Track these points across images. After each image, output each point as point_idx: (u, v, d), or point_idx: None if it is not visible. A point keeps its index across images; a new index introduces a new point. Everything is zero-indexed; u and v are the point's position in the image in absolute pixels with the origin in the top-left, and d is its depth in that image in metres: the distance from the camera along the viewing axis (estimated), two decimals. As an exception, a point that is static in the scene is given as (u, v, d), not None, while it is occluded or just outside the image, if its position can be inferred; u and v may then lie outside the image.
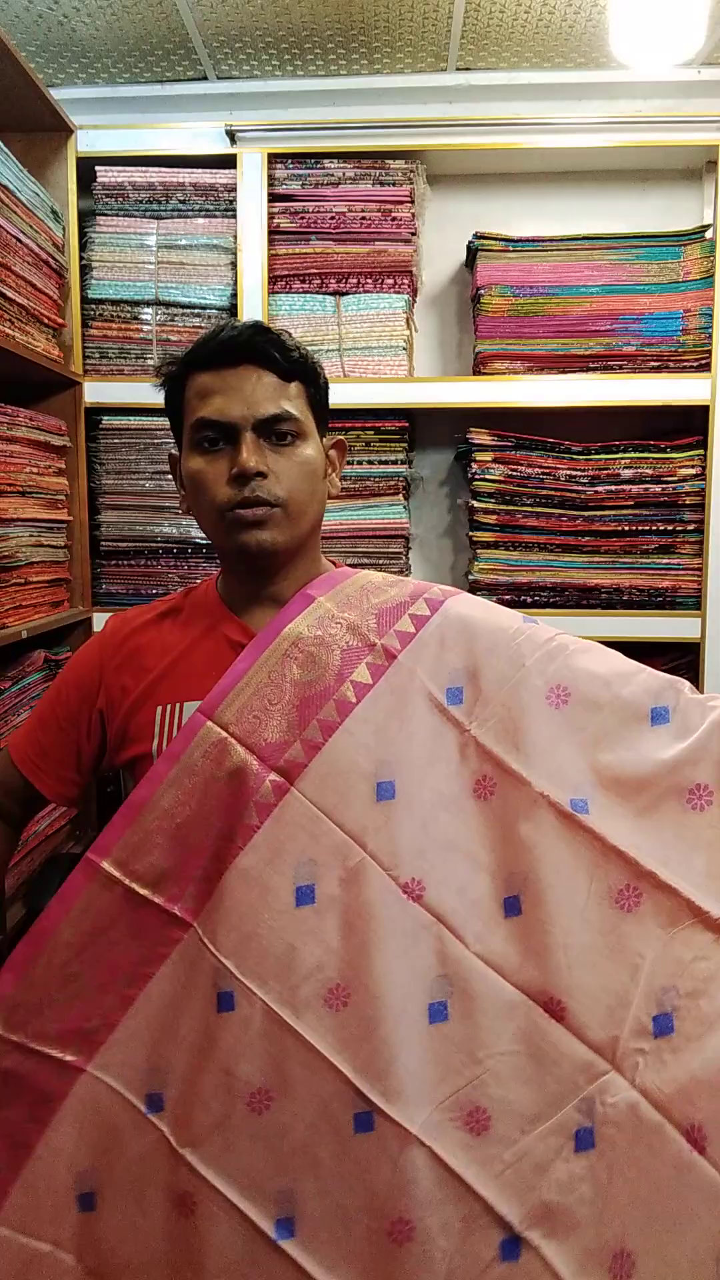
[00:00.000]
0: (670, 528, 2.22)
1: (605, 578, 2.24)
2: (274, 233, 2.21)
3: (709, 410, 2.16)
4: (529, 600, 2.26)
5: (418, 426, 2.40)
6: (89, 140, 2.20)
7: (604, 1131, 0.96)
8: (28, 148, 2.07)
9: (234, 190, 2.20)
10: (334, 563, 1.20)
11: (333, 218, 2.20)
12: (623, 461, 2.22)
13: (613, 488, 2.22)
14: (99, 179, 2.23)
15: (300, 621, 1.07)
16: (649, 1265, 0.94)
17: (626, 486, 2.22)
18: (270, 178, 2.20)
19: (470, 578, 2.27)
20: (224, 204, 2.22)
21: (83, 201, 2.21)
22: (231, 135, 2.21)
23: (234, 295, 2.22)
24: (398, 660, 1.06)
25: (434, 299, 2.47)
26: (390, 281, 2.21)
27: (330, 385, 1.16)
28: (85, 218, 2.22)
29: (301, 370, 1.09)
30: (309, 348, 1.13)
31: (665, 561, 2.23)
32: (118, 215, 2.23)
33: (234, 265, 2.21)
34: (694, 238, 2.19)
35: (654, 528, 2.22)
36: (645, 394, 2.17)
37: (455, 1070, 0.97)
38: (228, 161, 2.21)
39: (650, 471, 2.21)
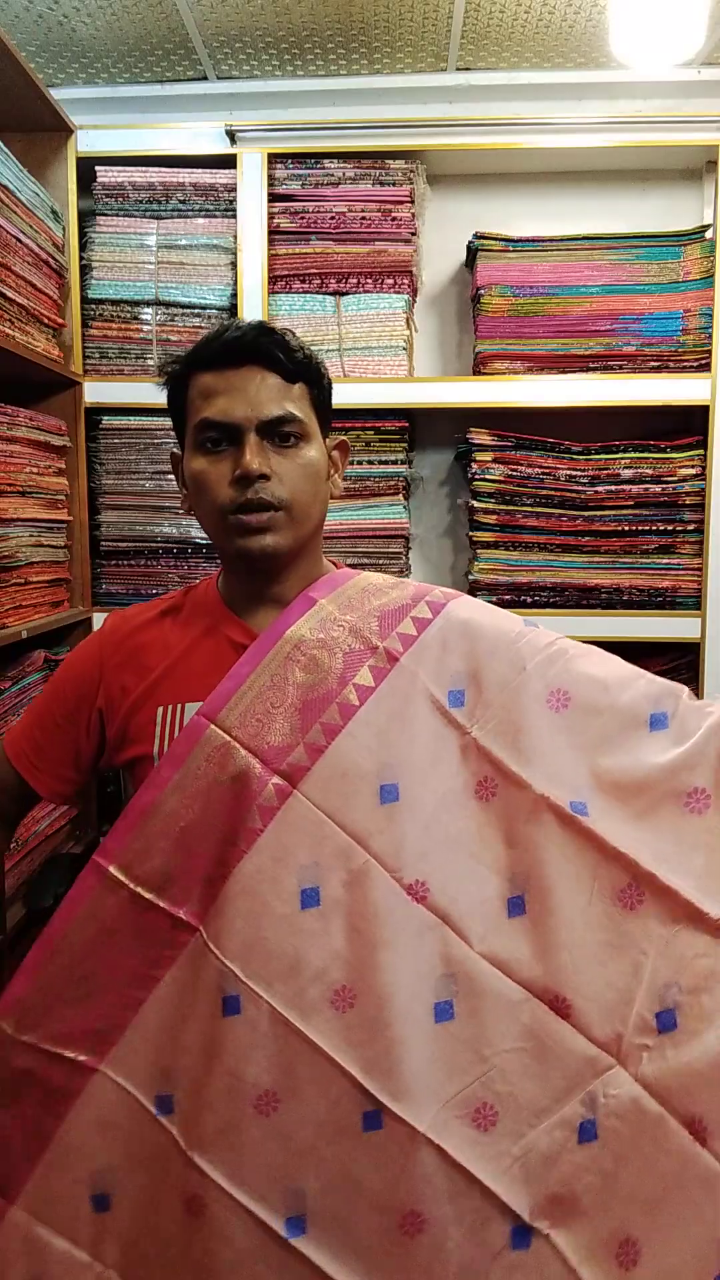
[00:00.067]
0: (670, 528, 2.22)
1: (605, 578, 2.24)
2: (274, 233, 2.21)
3: (709, 410, 2.16)
4: (529, 600, 2.26)
5: (418, 426, 2.40)
6: (89, 140, 2.20)
7: (607, 1123, 0.98)
8: (28, 148, 2.07)
9: (234, 190, 2.20)
10: (334, 563, 1.20)
11: (333, 218, 2.20)
12: (623, 461, 2.22)
13: (613, 488, 2.22)
14: (99, 179, 2.23)
15: (302, 624, 1.07)
16: (654, 1253, 0.96)
17: (626, 486, 2.22)
18: (270, 178, 2.20)
19: (470, 578, 2.27)
20: (224, 204, 2.22)
21: (83, 201, 2.21)
22: (231, 135, 2.21)
23: (234, 295, 2.22)
24: (400, 663, 1.06)
25: (434, 299, 2.47)
26: (390, 281, 2.21)
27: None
28: (85, 218, 2.22)
29: (305, 371, 1.09)
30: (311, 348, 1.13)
31: (665, 561, 2.23)
32: (118, 215, 2.23)
33: (234, 265, 2.21)
34: (694, 238, 2.19)
35: (654, 528, 2.22)
36: (645, 394, 2.17)
37: (462, 1068, 0.98)
38: (228, 161, 2.21)
39: (650, 471, 2.21)
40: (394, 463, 2.26)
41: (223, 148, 2.21)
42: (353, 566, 1.21)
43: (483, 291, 2.22)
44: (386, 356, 2.22)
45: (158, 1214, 0.98)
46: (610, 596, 2.24)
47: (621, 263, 2.20)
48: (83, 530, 2.24)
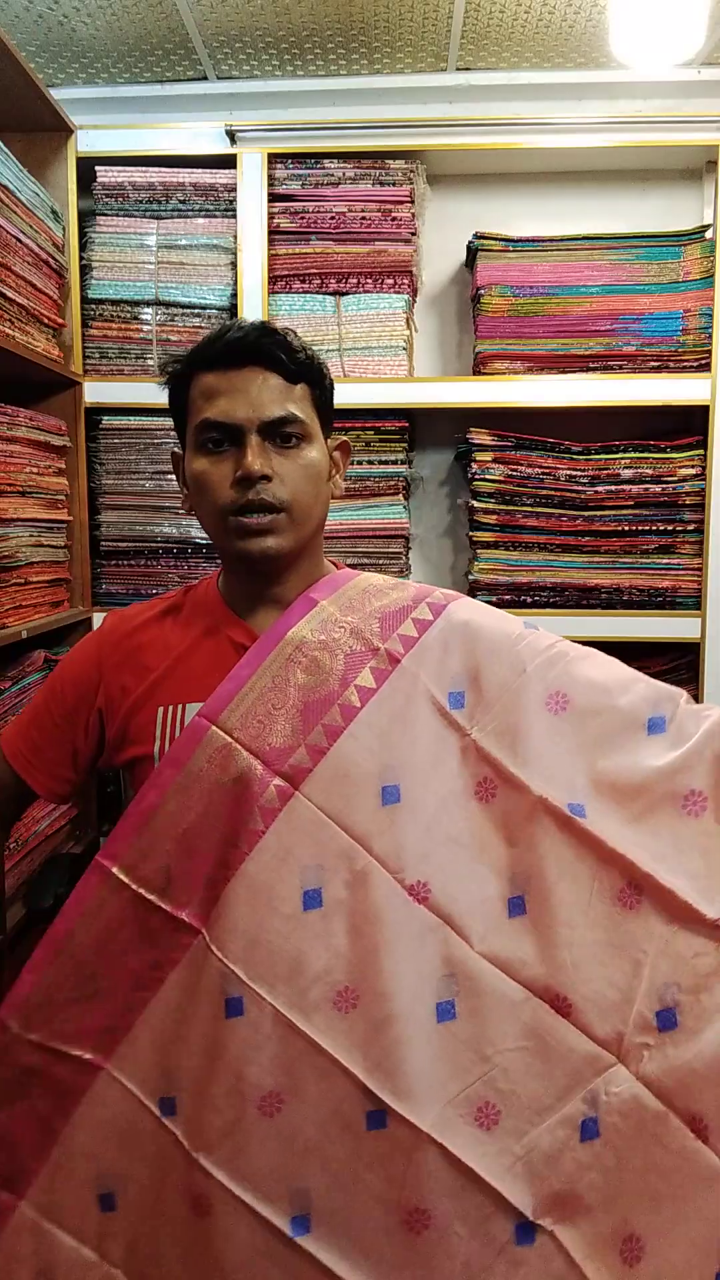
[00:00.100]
0: (670, 528, 2.22)
1: (605, 578, 2.24)
2: (274, 233, 2.21)
3: (709, 410, 2.16)
4: (529, 600, 2.26)
5: (418, 426, 2.40)
6: (89, 140, 2.20)
7: (608, 1121, 0.98)
8: (28, 148, 2.07)
9: (234, 190, 2.20)
10: (335, 563, 1.20)
11: (333, 218, 2.20)
12: (623, 461, 2.22)
13: (613, 488, 2.22)
14: (99, 179, 2.23)
15: (304, 625, 1.07)
16: (657, 1249, 0.97)
17: (626, 486, 2.22)
18: (270, 178, 2.20)
19: (470, 578, 2.27)
20: (224, 204, 2.22)
21: (83, 201, 2.20)
22: (231, 135, 2.20)
23: (234, 295, 2.22)
24: (401, 665, 1.06)
25: (434, 299, 2.47)
26: (390, 281, 2.21)
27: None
28: (85, 218, 2.22)
29: (308, 372, 1.09)
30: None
31: (665, 561, 2.23)
32: (118, 215, 2.23)
33: (234, 265, 2.21)
34: (694, 238, 2.19)
35: (654, 528, 2.22)
36: (645, 394, 2.17)
37: (464, 1068, 0.99)
38: (228, 161, 2.20)
39: (650, 471, 2.21)
40: (394, 463, 2.26)
41: (223, 148, 2.21)
42: (353, 567, 1.21)
43: (483, 291, 2.22)
44: (386, 356, 2.22)
45: (163, 1214, 0.98)
46: (610, 596, 2.24)
47: (621, 263, 2.20)
48: (83, 530, 2.24)
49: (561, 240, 2.21)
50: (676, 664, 2.30)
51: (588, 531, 2.24)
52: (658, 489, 2.21)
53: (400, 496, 2.27)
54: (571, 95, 2.35)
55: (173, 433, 1.16)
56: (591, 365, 2.20)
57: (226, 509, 1.06)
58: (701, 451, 2.19)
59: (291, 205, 2.21)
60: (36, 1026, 1.01)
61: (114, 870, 1.01)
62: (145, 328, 2.23)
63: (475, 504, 2.25)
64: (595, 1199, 0.98)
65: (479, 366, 2.24)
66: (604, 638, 2.18)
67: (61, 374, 2.08)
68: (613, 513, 2.23)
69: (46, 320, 2.04)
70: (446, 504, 2.51)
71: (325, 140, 2.23)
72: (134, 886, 1.01)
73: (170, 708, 1.09)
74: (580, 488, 2.23)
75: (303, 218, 2.21)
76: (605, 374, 2.20)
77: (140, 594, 2.29)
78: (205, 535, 1.15)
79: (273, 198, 2.20)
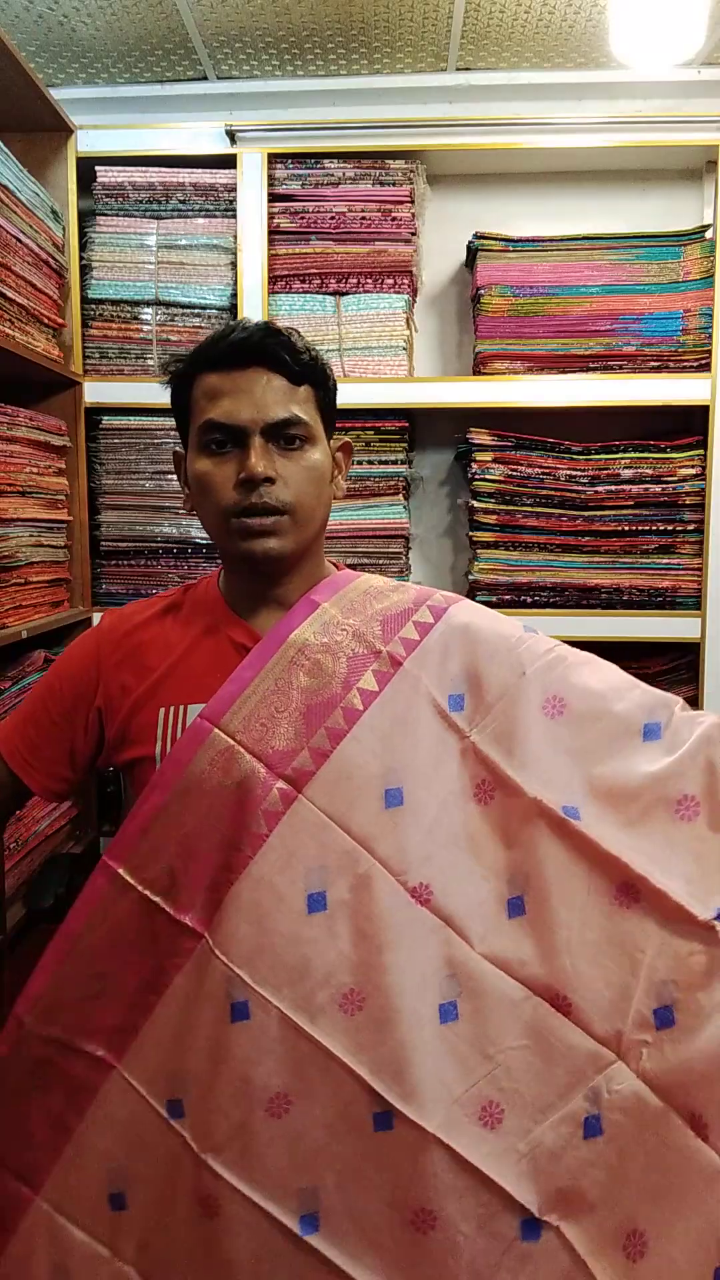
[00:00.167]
0: (670, 528, 2.22)
1: (605, 578, 2.24)
2: (274, 233, 2.21)
3: (709, 410, 2.17)
4: (529, 600, 2.26)
5: (418, 426, 2.40)
6: (89, 140, 2.20)
7: (610, 1118, 0.99)
8: (28, 148, 2.07)
9: (234, 190, 2.20)
10: (335, 564, 1.20)
11: (333, 218, 2.20)
12: (623, 461, 2.22)
13: (613, 488, 2.22)
14: (99, 179, 2.23)
15: (306, 628, 1.07)
16: (660, 1244, 0.97)
17: (626, 486, 2.22)
18: (270, 178, 2.20)
19: (470, 578, 2.28)
20: (224, 204, 2.22)
21: (83, 201, 2.21)
22: (231, 135, 2.20)
23: (234, 295, 2.22)
24: (403, 667, 1.07)
25: (434, 299, 2.47)
26: (390, 281, 2.22)
27: None
28: (85, 218, 2.22)
29: (311, 373, 1.08)
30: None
31: (665, 561, 2.23)
32: (118, 215, 2.23)
33: (234, 265, 2.21)
34: (694, 238, 2.19)
35: (654, 528, 2.22)
36: (645, 394, 2.18)
37: (468, 1068, 0.99)
38: (228, 161, 2.21)
39: (650, 471, 2.21)
40: (394, 463, 2.27)
41: (223, 148, 2.21)
42: (353, 567, 1.21)
43: (483, 291, 2.22)
44: (386, 356, 2.22)
45: (173, 1214, 0.99)
46: (610, 596, 2.24)
47: (621, 263, 2.20)
48: (83, 530, 2.24)
49: (561, 240, 2.21)
50: (676, 664, 2.30)
51: (588, 531, 2.24)
52: (658, 489, 2.21)
53: (400, 496, 2.27)
54: (571, 95, 2.35)
55: (173, 432, 1.15)
56: (591, 365, 2.21)
57: (229, 510, 1.05)
58: (701, 451, 2.19)
59: (291, 205, 2.21)
60: (52, 1022, 1.02)
61: (120, 871, 1.02)
62: (145, 328, 2.23)
63: (475, 504, 2.25)
64: (599, 1195, 0.99)
65: (479, 366, 2.24)
66: (604, 638, 2.18)
67: (61, 374, 2.08)
68: (613, 513, 2.23)
69: (46, 320, 2.04)
70: (446, 504, 2.51)
71: (325, 140, 2.23)
72: (140, 888, 1.01)
73: (172, 708, 1.09)
74: (580, 488, 2.23)
75: (303, 218, 2.21)
76: (605, 374, 2.20)
77: (140, 594, 2.29)
78: (205, 535, 1.14)
79: (273, 198, 2.20)
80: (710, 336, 2.16)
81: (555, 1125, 0.99)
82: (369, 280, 2.21)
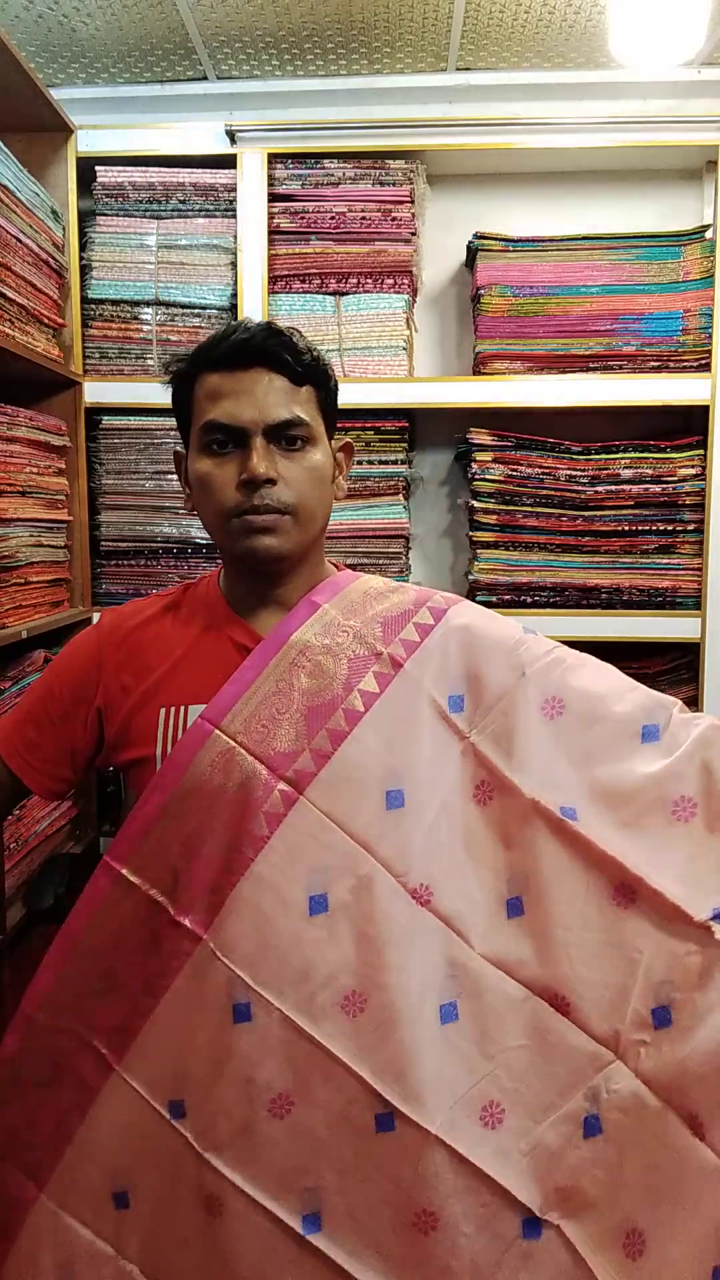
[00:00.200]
0: (670, 528, 2.22)
1: (605, 578, 2.24)
2: (274, 233, 2.21)
3: (709, 410, 2.17)
4: (529, 600, 2.26)
5: (418, 426, 2.40)
6: (89, 140, 2.20)
7: (609, 1117, 1.00)
8: (28, 148, 2.07)
9: (234, 190, 2.20)
10: (335, 564, 1.20)
11: (333, 218, 2.20)
12: (623, 461, 2.22)
13: (613, 488, 2.22)
14: (99, 179, 2.23)
15: (307, 629, 1.08)
16: (658, 1242, 0.98)
17: (626, 486, 2.22)
18: (270, 178, 2.20)
19: (470, 578, 2.28)
20: (224, 204, 2.22)
21: (83, 201, 2.20)
22: (231, 135, 2.21)
23: (234, 295, 2.22)
24: (404, 669, 1.07)
25: (434, 299, 2.47)
26: (390, 281, 2.22)
27: None
28: (85, 218, 2.22)
29: (313, 374, 1.08)
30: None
31: (665, 561, 2.23)
32: (118, 215, 2.23)
33: (234, 265, 2.21)
34: (694, 238, 2.19)
35: (654, 528, 2.22)
36: (645, 394, 2.18)
37: (469, 1068, 1.00)
38: (228, 161, 2.20)
39: (650, 471, 2.21)
40: (394, 463, 2.27)
41: (223, 148, 2.21)
42: (353, 567, 1.22)
43: (483, 291, 2.22)
44: (386, 356, 2.22)
45: (175, 1213, 0.99)
46: (610, 596, 2.24)
47: (621, 263, 2.20)
48: (83, 530, 2.24)
49: (561, 240, 2.21)
50: (676, 664, 2.30)
51: (588, 531, 2.24)
52: (658, 489, 2.21)
53: (400, 496, 2.27)
54: (571, 95, 2.35)
55: (173, 432, 1.15)
56: (591, 365, 2.21)
57: (231, 511, 1.05)
58: (701, 451, 2.19)
59: (291, 205, 2.21)
60: (63, 1015, 1.03)
61: (123, 872, 1.02)
62: (145, 328, 2.23)
63: (475, 504, 2.25)
64: (599, 1194, 0.99)
65: (479, 366, 2.24)
66: (604, 638, 2.18)
67: (61, 374, 2.08)
68: (613, 513, 2.23)
69: (46, 320, 2.04)
70: (446, 504, 2.51)
71: (325, 140, 2.23)
72: (144, 888, 1.01)
73: (172, 709, 1.08)
74: (580, 488, 2.23)
75: (303, 218, 2.21)
76: (605, 374, 2.20)
77: (140, 594, 2.26)
78: (205, 535, 1.14)
79: (273, 198, 2.20)
80: (710, 336, 2.16)
81: (555, 1124, 1.00)
82: (369, 280, 2.21)
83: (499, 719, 1.07)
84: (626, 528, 2.22)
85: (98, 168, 2.22)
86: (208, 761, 1.01)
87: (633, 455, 2.22)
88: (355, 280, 2.22)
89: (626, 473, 2.22)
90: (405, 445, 2.27)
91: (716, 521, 2.18)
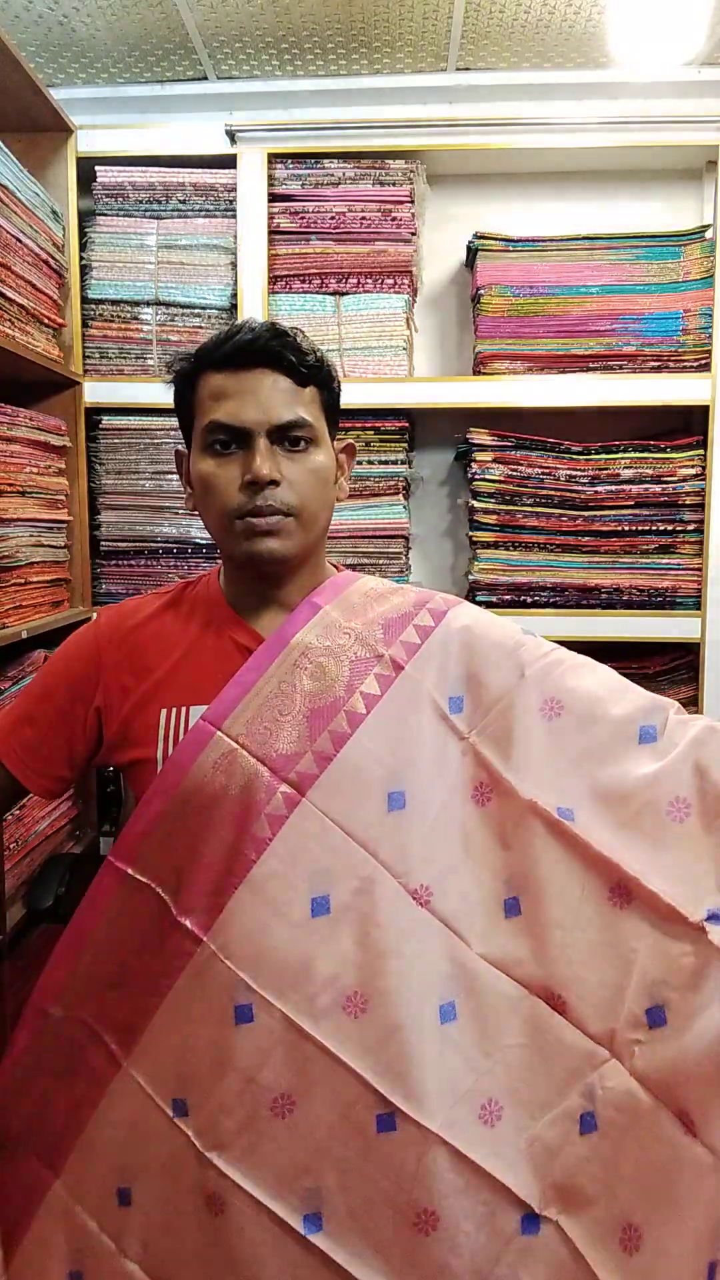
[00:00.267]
0: (670, 528, 2.22)
1: (605, 578, 2.24)
2: (274, 233, 2.21)
3: (709, 410, 2.17)
4: (529, 600, 2.26)
5: (418, 426, 2.40)
6: (89, 140, 2.20)
7: (605, 1114, 1.01)
8: (28, 148, 2.07)
9: (234, 190, 2.20)
10: (335, 565, 1.20)
11: (333, 218, 2.20)
12: (623, 461, 2.22)
13: (613, 488, 2.22)
14: (99, 179, 2.23)
15: (308, 631, 1.08)
16: (655, 1238, 0.98)
17: (626, 486, 2.22)
18: (270, 178, 2.20)
19: (470, 578, 2.28)
20: (224, 204, 2.22)
21: (83, 201, 2.20)
22: (231, 135, 2.21)
23: (234, 295, 2.22)
24: (405, 671, 1.07)
25: (434, 299, 2.47)
26: (390, 281, 2.21)
27: None
28: (85, 218, 2.22)
29: (317, 375, 1.08)
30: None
31: (665, 561, 2.23)
32: (118, 215, 2.23)
33: (234, 265, 2.21)
34: (694, 238, 2.19)
35: (654, 528, 2.22)
36: (645, 394, 2.18)
37: (469, 1067, 1.01)
38: (228, 161, 2.20)
39: (650, 471, 2.21)
40: (394, 463, 2.27)
41: (223, 148, 2.21)
42: (352, 567, 1.22)
43: (483, 291, 2.22)
44: (386, 356, 2.22)
45: (177, 1212, 1.00)
46: (610, 596, 2.24)
47: (621, 263, 2.20)
48: (83, 530, 2.24)
49: (561, 240, 2.21)
50: (676, 664, 2.30)
51: (588, 531, 2.24)
52: (658, 489, 2.21)
53: (400, 496, 2.27)
54: (571, 95, 2.35)
55: (173, 432, 1.15)
56: (591, 365, 2.21)
57: (233, 512, 1.05)
58: (701, 451, 2.19)
59: (291, 205, 2.21)
60: (77, 1008, 1.04)
61: (129, 871, 1.02)
62: (145, 328, 2.23)
63: (475, 504, 2.25)
64: (596, 1190, 1.00)
65: (479, 366, 2.24)
66: (604, 638, 2.18)
67: (61, 374, 2.08)
68: (613, 513, 2.23)
69: (46, 320, 2.04)
70: (446, 504, 2.51)
71: (325, 140, 2.23)
72: (153, 886, 1.02)
73: (173, 710, 1.08)
74: (580, 488, 2.23)
75: (303, 218, 2.21)
76: (605, 374, 2.20)
77: (140, 594, 2.28)
78: (205, 535, 1.14)
79: (273, 198, 2.20)
80: (710, 336, 2.16)
81: (553, 1122, 1.01)
82: (369, 280, 2.21)
83: (498, 720, 1.07)
84: (626, 528, 2.22)
85: (98, 168, 2.22)
86: (210, 763, 1.01)
87: (633, 455, 2.22)
88: (355, 280, 2.22)
89: (626, 473, 2.22)
90: (405, 445, 2.27)
91: (716, 521, 2.18)
